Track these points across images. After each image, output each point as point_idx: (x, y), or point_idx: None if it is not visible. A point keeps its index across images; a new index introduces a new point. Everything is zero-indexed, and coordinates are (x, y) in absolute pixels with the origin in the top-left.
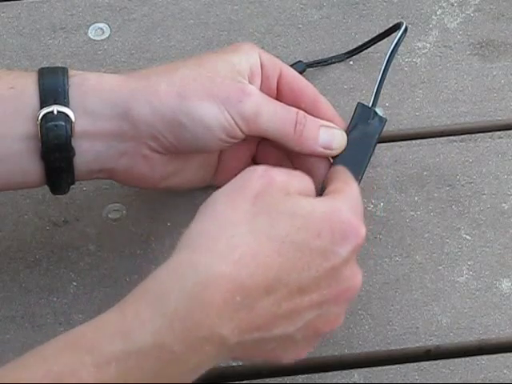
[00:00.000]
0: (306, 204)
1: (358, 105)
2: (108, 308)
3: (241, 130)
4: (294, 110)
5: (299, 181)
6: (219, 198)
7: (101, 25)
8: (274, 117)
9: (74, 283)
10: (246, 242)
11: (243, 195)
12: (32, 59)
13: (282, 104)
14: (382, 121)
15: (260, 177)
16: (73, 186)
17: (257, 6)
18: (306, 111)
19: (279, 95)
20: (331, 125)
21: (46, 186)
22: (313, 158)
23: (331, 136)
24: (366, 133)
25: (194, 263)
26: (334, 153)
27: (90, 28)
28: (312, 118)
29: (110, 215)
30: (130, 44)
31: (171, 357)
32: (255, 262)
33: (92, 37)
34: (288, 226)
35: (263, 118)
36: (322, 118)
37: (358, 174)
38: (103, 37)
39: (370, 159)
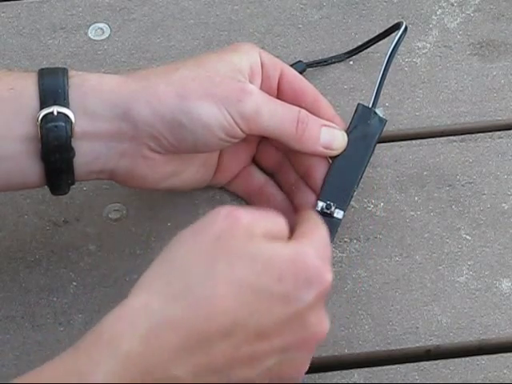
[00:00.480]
0: (269, 248)
1: (358, 105)
2: (108, 308)
3: (241, 130)
4: (296, 108)
5: (270, 222)
6: (180, 240)
7: (101, 25)
8: (274, 115)
9: (74, 283)
10: (202, 286)
11: (204, 237)
12: (32, 59)
13: (282, 103)
14: (382, 121)
15: (224, 218)
16: (73, 186)
17: (257, 5)
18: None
19: (280, 95)
20: (332, 125)
21: (46, 186)
22: (312, 158)
23: (332, 136)
24: (366, 133)
25: (147, 308)
26: (334, 153)
27: (90, 28)
28: (314, 117)
29: (110, 215)
30: (130, 44)
31: None
32: (211, 306)
33: (92, 37)
34: (247, 270)
35: (263, 116)
36: (322, 118)
37: (357, 175)
38: (103, 37)
39: (369, 160)
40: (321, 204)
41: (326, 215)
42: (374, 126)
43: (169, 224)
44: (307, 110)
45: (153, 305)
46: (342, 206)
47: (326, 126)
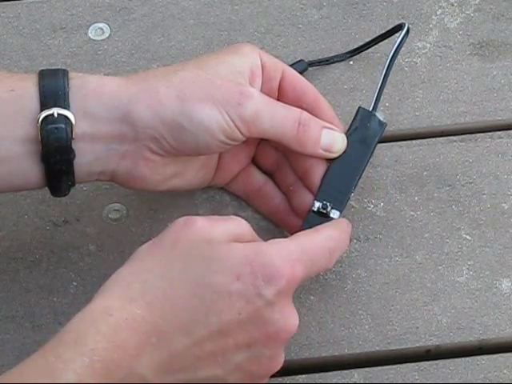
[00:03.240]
0: (226, 249)
1: (358, 108)
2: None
3: (241, 133)
4: (298, 110)
5: (231, 225)
6: (141, 248)
7: (101, 25)
8: (274, 118)
9: (74, 283)
10: (159, 286)
11: (162, 243)
12: (32, 59)
13: (283, 104)
14: (382, 125)
15: (181, 225)
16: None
17: (257, 6)
18: (307, 111)
19: (281, 95)
20: (333, 127)
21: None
22: (311, 160)
23: (332, 139)
24: (366, 136)
25: (107, 308)
26: (334, 155)
27: (90, 28)
28: (315, 119)
29: (110, 215)
30: (130, 44)
31: None
32: (168, 304)
33: (92, 37)
34: (204, 269)
35: (264, 119)
36: (321, 119)
37: (355, 177)
38: (103, 37)
39: (368, 162)
40: (317, 204)
41: (322, 215)
42: (373, 130)
43: (169, 224)
44: (308, 110)
45: (112, 305)
46: (339, 207)
47: (326, 128)
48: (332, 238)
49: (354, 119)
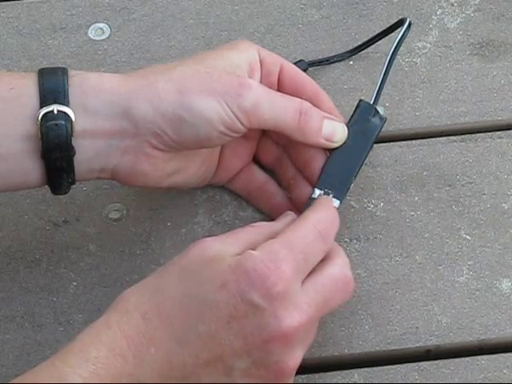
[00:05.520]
0: (216, 260)
1: (360, 101)
2: (107, 308)
3: (241, 124)
4: (298, 100)
5: (243, 237)
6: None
7: (101, 25)
8: (274, 108)
9: (74, 283)
10: (151, 299)
11: (167, 264)
12: (32, 59)
13: (283, 95)
14: (382, 119)
15: (190, 247)
16: (73, 186)
17: (257, 5)
18: None
19: (280, 88)
20: (333, 117)
21: (46, 186)
22: (311, 150)
23: (334, 128)
24: (366, 129)
25: (107, 321)
26: (335, 145)
27: (90, 28)
28: (316, 109)
29: (110, 215)
30: (130, 44)
31: None
32: (159, 315)
33: (92, 37)
34: (193, 281)
35: (264, 109)
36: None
37: (355, 168)
38: (103, 37)
39: (367, 156)
40: (318, 191)
41: None
42: (374, 123)
43: (169, 224)
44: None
45: (111, 319)
46: (339, 196)
47: (327, 118)
48: (319, 220)
49: (354, 111)
